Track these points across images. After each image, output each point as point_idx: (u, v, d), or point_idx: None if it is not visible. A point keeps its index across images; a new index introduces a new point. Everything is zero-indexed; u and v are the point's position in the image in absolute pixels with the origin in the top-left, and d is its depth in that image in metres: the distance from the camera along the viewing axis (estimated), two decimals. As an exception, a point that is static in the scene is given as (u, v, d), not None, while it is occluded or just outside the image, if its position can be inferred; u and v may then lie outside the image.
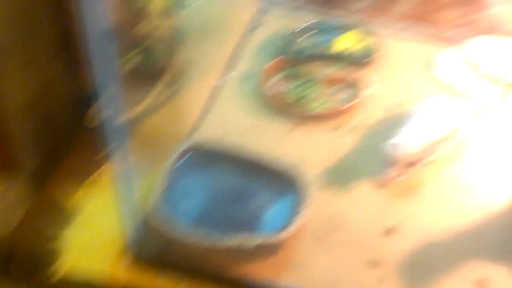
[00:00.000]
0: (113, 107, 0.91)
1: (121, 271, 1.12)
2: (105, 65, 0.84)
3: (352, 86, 1.43)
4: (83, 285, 1.12)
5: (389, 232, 1.15)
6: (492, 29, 1.51)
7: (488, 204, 1.19)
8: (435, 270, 1.09)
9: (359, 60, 1.49)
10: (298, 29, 1.56)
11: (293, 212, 1.12)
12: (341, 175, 1.26)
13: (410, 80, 1.47)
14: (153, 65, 1.44)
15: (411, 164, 1.22)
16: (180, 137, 1.28)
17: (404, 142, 1.19)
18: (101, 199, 1.23)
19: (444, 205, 1.20)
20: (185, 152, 1.24)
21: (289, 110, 1.38)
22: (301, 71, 1.46)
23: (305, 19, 1.59)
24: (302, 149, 1.31)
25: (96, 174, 1.26)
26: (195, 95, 1.40)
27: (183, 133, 1.31)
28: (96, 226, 1.19)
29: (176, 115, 1.33)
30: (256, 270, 1.09)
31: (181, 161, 1.23)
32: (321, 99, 1.40)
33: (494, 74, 1.43)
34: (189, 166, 1.23)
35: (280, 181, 1.19)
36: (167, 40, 1.51)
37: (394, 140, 1.19)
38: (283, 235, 1.08)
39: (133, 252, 1.13)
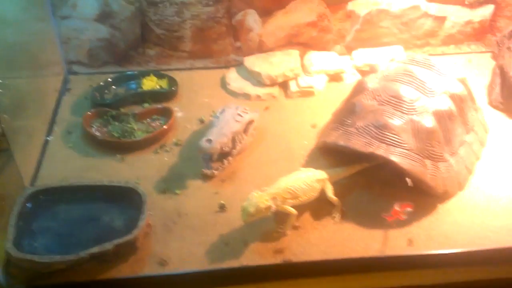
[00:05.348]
0: None
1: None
2: None
3: (164, 114, 1.71)
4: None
5: (222, 208, 1.41)
6: (253, 49, 1.95)
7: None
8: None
9: (164, 94, 1.79)
10: (104, 83, 1.81)
11: (139, 216, 1.32)
12: (173, 180, 1.49)
13: (211, 97, 1.80)
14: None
15: (224, 155, 1.51)
16: (21, 189, 1.40)
17: (213, 138, 1.47)
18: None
19: (256, 181, 1.49)
20: (29, 198, 1.37)
21: (117, 143, 1.59)
22: (118, 113, 1.69)
23: (107, 76, 1.85)
24: (136, 170, 1.53)
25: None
26: (27, 153, 1.53)
27: (23, 185, 1.43)
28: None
29: (13, 172, 1.44)
30: (121, 270, 1.26)
31: (29, 205, 1.36)
32: (141, 129, 1.65)
33: (268, 80, 1.82)
34: (38, 208, 1.37)
35: (122, 196, 1.39)
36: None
37: (205, 138, 1.47)
38: (134, 232, 1.27)
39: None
